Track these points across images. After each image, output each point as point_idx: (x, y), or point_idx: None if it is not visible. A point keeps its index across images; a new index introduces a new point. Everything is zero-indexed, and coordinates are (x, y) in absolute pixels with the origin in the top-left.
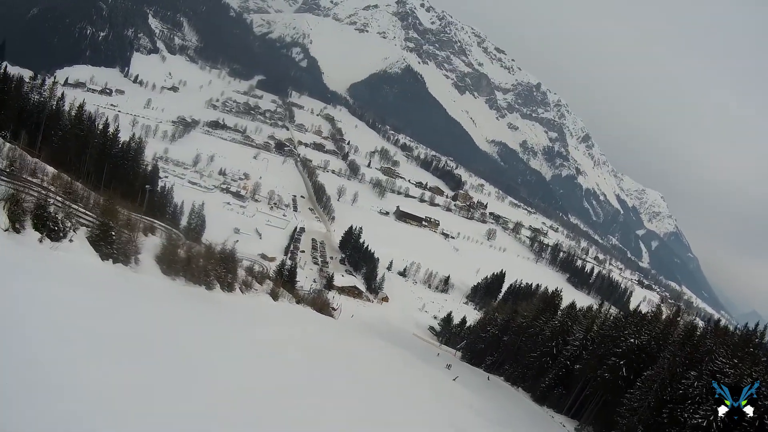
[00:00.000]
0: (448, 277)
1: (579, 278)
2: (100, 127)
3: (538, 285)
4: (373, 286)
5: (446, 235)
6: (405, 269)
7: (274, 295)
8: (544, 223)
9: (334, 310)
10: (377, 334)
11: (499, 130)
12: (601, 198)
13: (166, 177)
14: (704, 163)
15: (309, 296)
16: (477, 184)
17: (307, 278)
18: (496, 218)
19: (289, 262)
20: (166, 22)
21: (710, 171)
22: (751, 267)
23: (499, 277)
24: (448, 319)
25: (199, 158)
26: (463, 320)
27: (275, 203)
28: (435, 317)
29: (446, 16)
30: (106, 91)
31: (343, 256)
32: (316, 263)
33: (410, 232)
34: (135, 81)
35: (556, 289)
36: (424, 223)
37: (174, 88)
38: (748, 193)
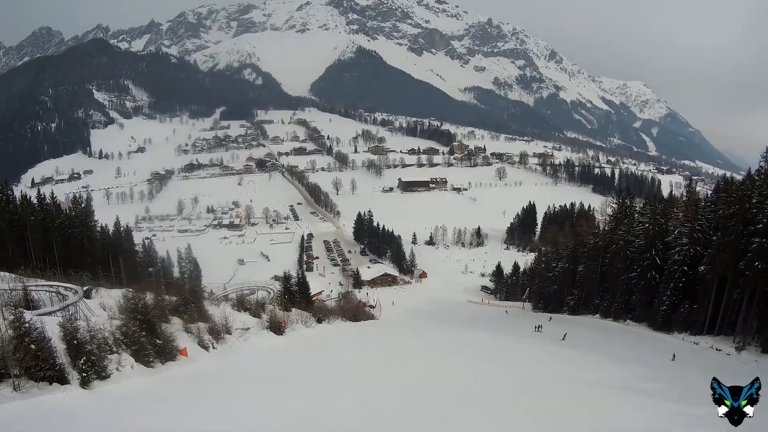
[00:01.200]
0: (478, 228)
1: (603, 185)
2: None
3: (572, 203)
4: (406, 266)
5: (458, 190)
6: (431, 237)
7: (277, 328)
8: (545, 146)
9: (372, 308)
10: (435, 318)
11: (468, 76)
12: (588, 105)
13: (153, 235)
14: (675, 38)
15: (335, 304)
16: (467, 132)
17: (331, 284)
18: (499, 157)
19: (295, 274)
20: (112, 92)
21: (683, 43)
22: (750, 124)
23: (530, 210)
24: (498, 271)
25: (182, 205)
26: (516, 267)
27: (274, 220)
28: (483, 275)
29: None
30: (74, 177)
31: (362, 246)
32: (336, 264)
33: (421, 199)
34: (100, 157)
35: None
36: (431, 185)
37: (141, 149)
38: (726, 56)
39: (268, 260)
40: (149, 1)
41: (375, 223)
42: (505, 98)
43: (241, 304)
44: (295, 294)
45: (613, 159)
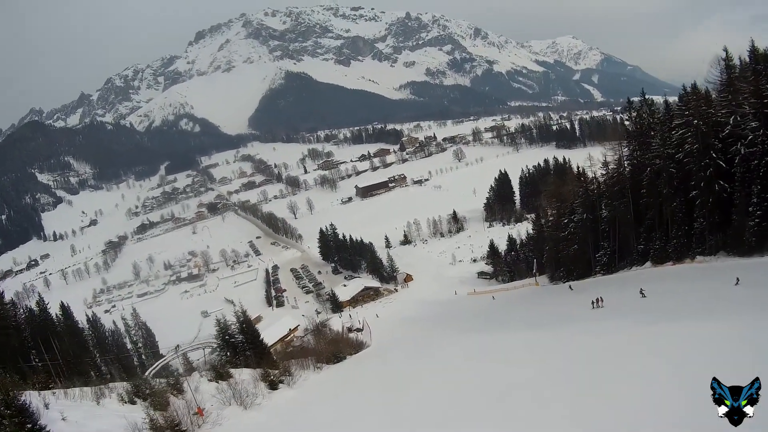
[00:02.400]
0: (454, 213)
1: (566, 139)
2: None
3: (546, 161)
4: (386, 274)
5: (419, 182)
6: (406, 236)
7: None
8: (494, 120)
9: (360, 331)
10: (443, 324)
11: (400, 74)
12: (524, 72)
13: (113, 306)
14: None
15: (307, 343)
16: (413, 126)
17: (305, 316)
18: (452, 140)
19: (233, 317)
20: (54, 171)
21: None
22: (680, 44)
23: (504, 180)
24: (493, 251)
25: (138, 268)
26: (511, 240)
27: (234, 261)
28: (474, 260)
29: (292, 11)
30: (32, 264)
31: (333, 265)
32: (309, 291)
33: (384, 201)
34: (55, 239)
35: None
36: (391, 185)
37: (93, 222)
38: None
39: (234, 305)
40: (75, 75)
41: (341, 236)
42: (441, 86)
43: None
44: (240, 347)
45: (564, 114)
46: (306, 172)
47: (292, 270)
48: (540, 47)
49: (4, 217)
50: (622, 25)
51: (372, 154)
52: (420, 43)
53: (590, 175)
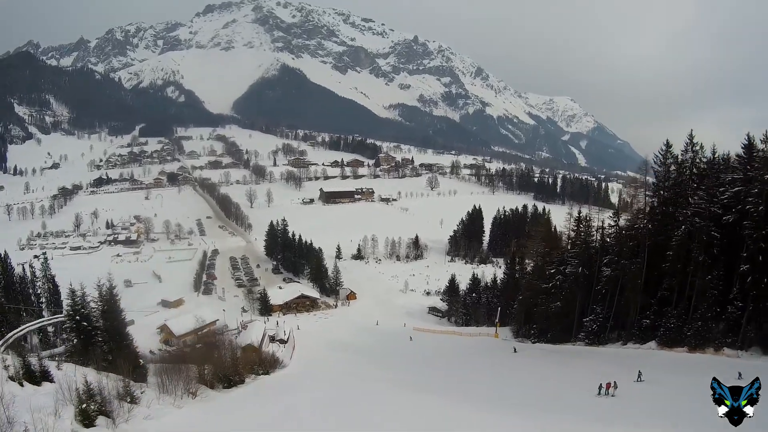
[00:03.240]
0: (416, 239)
1: (545, 192)
2: None
3: (524, 206)
4: (329, 286)
5: (387, 200)
6: (359, 250)
7: None
8: (474, 158)
9: (283, 343)
10: (376, 361)
11: (393, 94)
12: (515, 121)
13: (43, 253)
14: (600, 54)
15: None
16: (393, 146)
17: (226, 311)
18: (429, 167)
19: (96, 296)
20: (32, 105)
21: (608, 59)
22: (673, 130)
23: (476, 216)
24: (452, 287)
25: (80, 220)
26: (475, 280)
27: (176, 235)
28: (427, 293)
29: (305, 6)
30: None
31: (275, 263)
32: (241, 285)
33: (346, 211)
34: (15, 173)
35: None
36: (357, 196)
37: (55, 165)
38: (649, 69)
39: (160, 281)
40: (80, 18)
41: (290, 234)
42: (430, 114)
43: None
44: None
45: (547, 170)
46: (275, 164)
47: (231, 259)
48: (536, 101)
49: None
50: (620, 100)
51: (345, 163)
52: (420, 68)
53: (594, 224)
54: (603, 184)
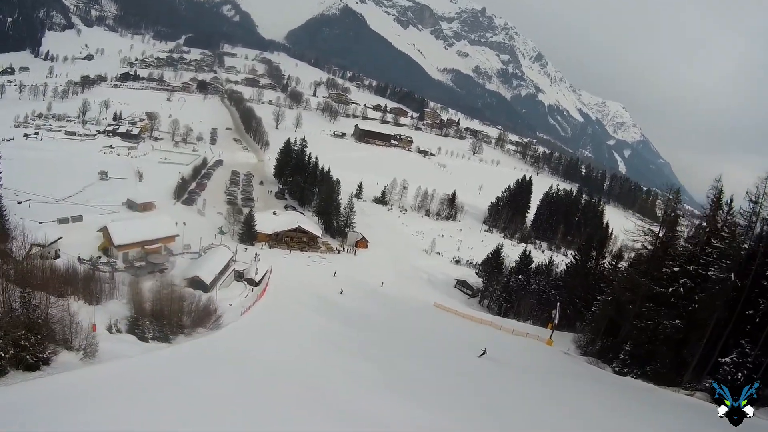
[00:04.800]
0: (453, 195)
1: (591, 187)
2: None
3: (579, 192)
4: (337, 225)
5: (424, 153)
6: (384, 194)
7: None
8: (520, 138)
9: (253, 285)
10: (378, 346)
11: (449, 58)
12: (565, 113)
13: (35, 133)
14: (659, 75)
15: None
16: (440, 107)
17: (198, 229)
18: (474, 133)
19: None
20: None
21: (665, 81)
22: (719, 169)
23: (524, 186)
24: (497, 260)
25: (87, 107)
26: (526, 258)
27: (183, 138)
28: (457, 261)
29: None
30: (7, 71)
31: (282, 186)
32: (232, 203)
33: (378, 154)
34: (46, 58)
35: None
36: (393, 141)
37: (89, 57)
38: (709, 98)
39: (140, 180)
40: None
41: (307, 156)
42: (482, 87)
43: None
44: None
45: (592, 166)
46: (315, 95)
47: (232, 172)
48: (588, 100)
49: (10, 20)
50: (669, 121)
51: (388, 109)
52: (482, 40)
53: None
54: (652, 191)
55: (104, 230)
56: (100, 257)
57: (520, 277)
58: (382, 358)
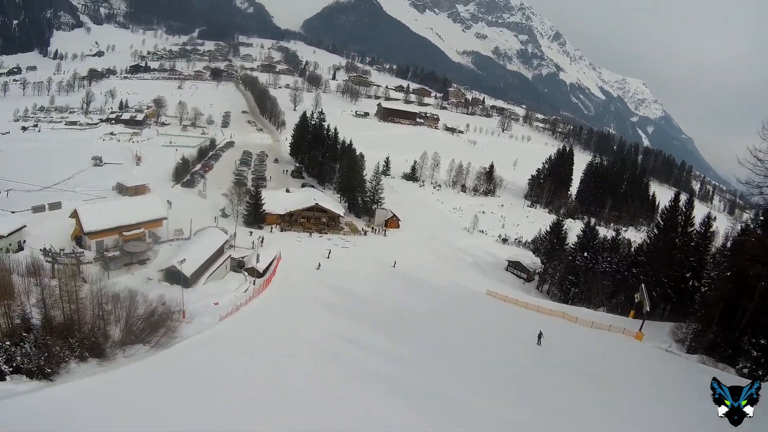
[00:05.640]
0: (491, 168)
1: (626, 160)
2: None
3: (623, 163)
4: (362, 202)
5: (452, 130)
6: (414, 170)
7: None
8: (545, 116)
9: (256, 276)
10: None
11: (468, 41)
12: (587, 91)
13: (35, 126)
14: (678, 50)
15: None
16: (463, 88)
17: (195, 211)
18: (500, 111)
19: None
20: None
21: (685, 56)
22: (741, 144)
23: (565, 159)
24: (557, 235)
25: (91, 98)
26: (591, 232)
27: (192, 122)
28: (505, 239)
29: None
30: (13, 71)
31: (298, 165)
32: (241, 183)
33: (403, 132)
34: (54, 58)
35: None
36: (419, 119)
37: (99, 53)
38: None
39: (137, 164)
40: None
41: (326, 129)
42: (503, 68)
43: None
44: None
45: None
46: (334, 78)
47: (244, 152)
48: (609, 77)
49: (16, 22)
50: (691, 97)
51: (411, 90)
52: (499, 21)
53: None
54: (686, 163)
55: (75, 215)
56: (63, 249)
57: (585, 254)
58: (442, 395)
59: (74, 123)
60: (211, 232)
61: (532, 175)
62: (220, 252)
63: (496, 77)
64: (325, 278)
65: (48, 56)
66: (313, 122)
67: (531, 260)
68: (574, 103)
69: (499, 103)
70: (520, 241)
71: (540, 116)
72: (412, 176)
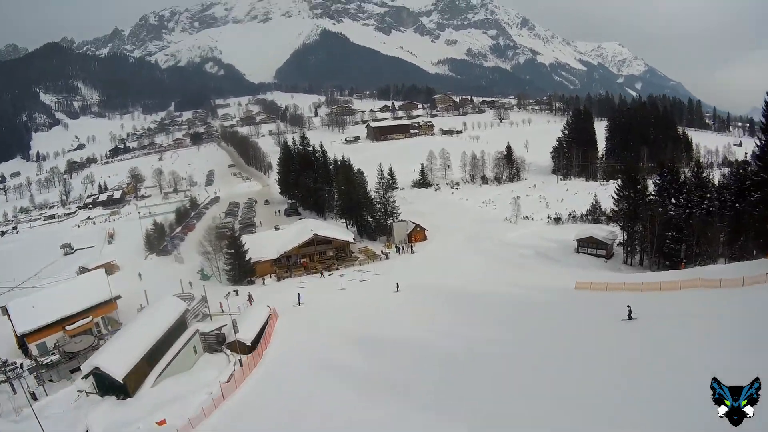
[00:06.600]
0: (509, 149)
1: None
2: None
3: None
4: (373, 221)
5: (450, 132)
6: (423, 175)
7: None
8: (535, 100)
9: (239, 352)
10: None
11: (440, 50)
12: (567, 67)
13: (14, 229)
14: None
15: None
16: (448, 93)
17: (162, 281)
18: (491, 104)
19: None
20: (60, 93)
21: (653, 4)
22: (723, 74)
23: (584, 119)
24: (634, 186)
25: (70, 188)
26: (672, 171)
27: (174, 189)
28: (557, 219)
29: None
30: None
31: (291, 201)
32: (222, 236)
33: (400, 146)
34: (37, 160)
35: None
36: (413, 130)
37: (80, 146)
38: (697, 16)
39: (110, 242)
40: (112, 9)
41: (311, 151)
42: (480, 66)
43: None
44: None
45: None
46: (316, 115)
47: (231, 203)
48: (585, 48)
49: None
50: (669, 42)
51: (397, 107)
52: (465, 23)
53: None
54: (693, 106)
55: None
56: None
57: (681, 198)
58: None
59: (53, 216)
60: (163, 305)
61: (554, 147)
62: (179, 329)
63: (477, 77)
64: (343, 330)
65: (31, 159)
66: (297, 149)
67: (605, 232)
68: (558, 81)
69: (488, 99)
70: (575, 216)
71: (532, 101)
72: (423, 182)
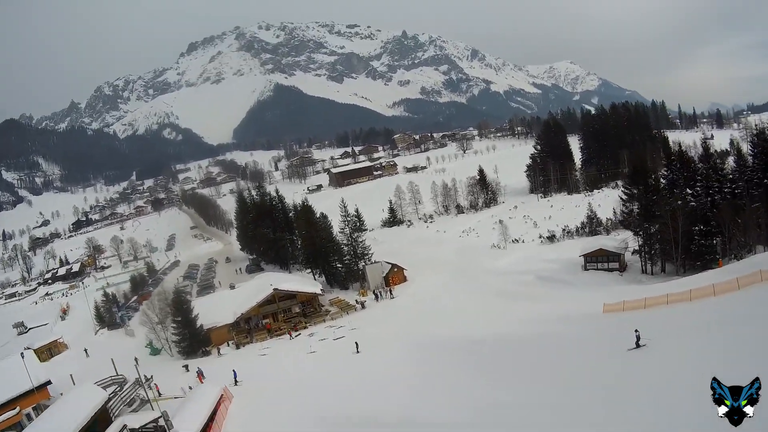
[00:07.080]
0: (481, 172)
1: None
2: None
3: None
4: (343, 267)
5: (414, 169)
6: (392, 213)
7: None
8: (496, 128)
9: None
10: None
11: (394, 92)
12: (521, 92)
13: None
14: (586, 15)
15: None
16: (406, 135)
17: (104, 359)
18: (451, 137)
19: None
20: (21, 170)
21: (595, 18)
22: (677, 75)
23: (555, 130)
24: (643, 177)
25: (32, 265)
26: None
27: (134, 257)
28: (551, 237)
29: (287, 25)
30: None
31: (253, 257)
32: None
33: (365, 188)
34: (4, 239)
35: None
36: (376, 171)
37: (45, 223)
38: (641, 25)
39: (63, 318)
40: (67, 82)
41: (268, 199)
42: (436, 103)
43: None
44: None
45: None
46: (277, 169)
47: (190, 266)
48: (537, 71)
49: None
50: (618, 53)
51: (357, 152)
52: (416, 62)
53: None
54: (656, 109)
55: None
56: None
57: (698, 187)
58: None
59: (13, 295)
60: (72, 398)
61: (527, 165)
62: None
63: (434, 114)
64: (314, 407)
65: None
66: (253, 199)
67: (615, 241)
68: (515, 107)
69: (448, 133)
70: (569, 232)
71: (493, 128)
72: (393, 220)
